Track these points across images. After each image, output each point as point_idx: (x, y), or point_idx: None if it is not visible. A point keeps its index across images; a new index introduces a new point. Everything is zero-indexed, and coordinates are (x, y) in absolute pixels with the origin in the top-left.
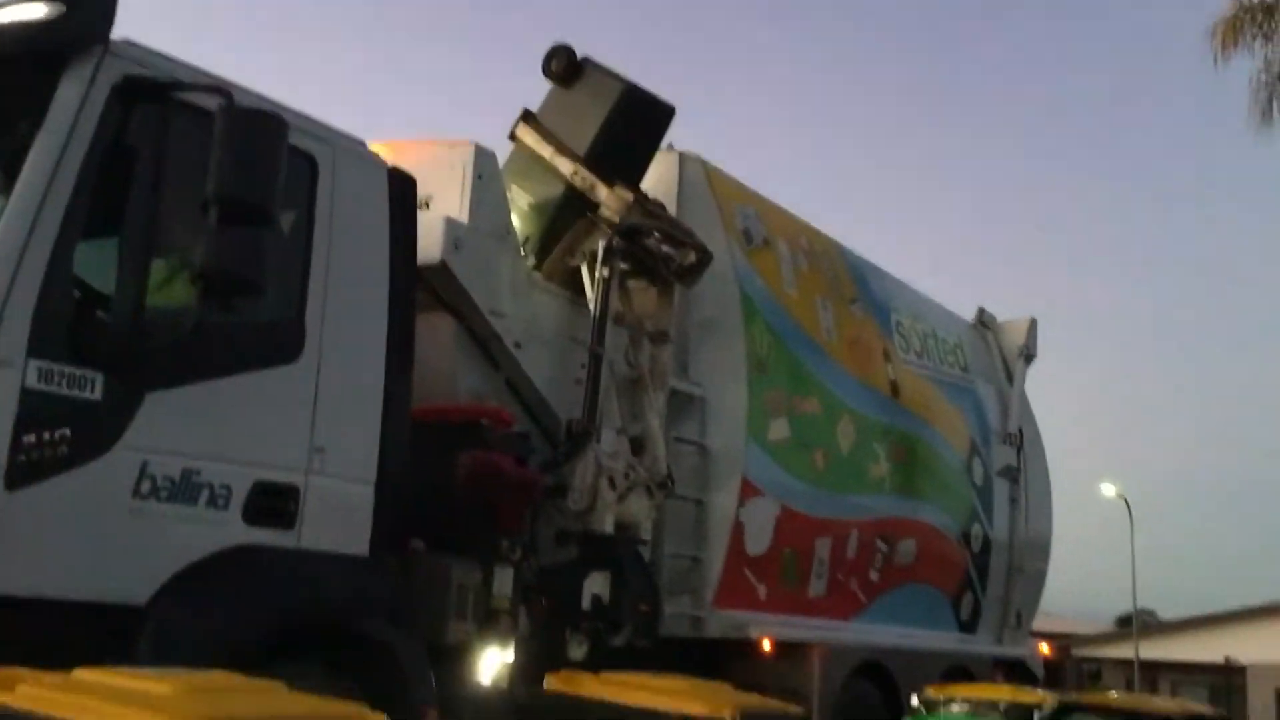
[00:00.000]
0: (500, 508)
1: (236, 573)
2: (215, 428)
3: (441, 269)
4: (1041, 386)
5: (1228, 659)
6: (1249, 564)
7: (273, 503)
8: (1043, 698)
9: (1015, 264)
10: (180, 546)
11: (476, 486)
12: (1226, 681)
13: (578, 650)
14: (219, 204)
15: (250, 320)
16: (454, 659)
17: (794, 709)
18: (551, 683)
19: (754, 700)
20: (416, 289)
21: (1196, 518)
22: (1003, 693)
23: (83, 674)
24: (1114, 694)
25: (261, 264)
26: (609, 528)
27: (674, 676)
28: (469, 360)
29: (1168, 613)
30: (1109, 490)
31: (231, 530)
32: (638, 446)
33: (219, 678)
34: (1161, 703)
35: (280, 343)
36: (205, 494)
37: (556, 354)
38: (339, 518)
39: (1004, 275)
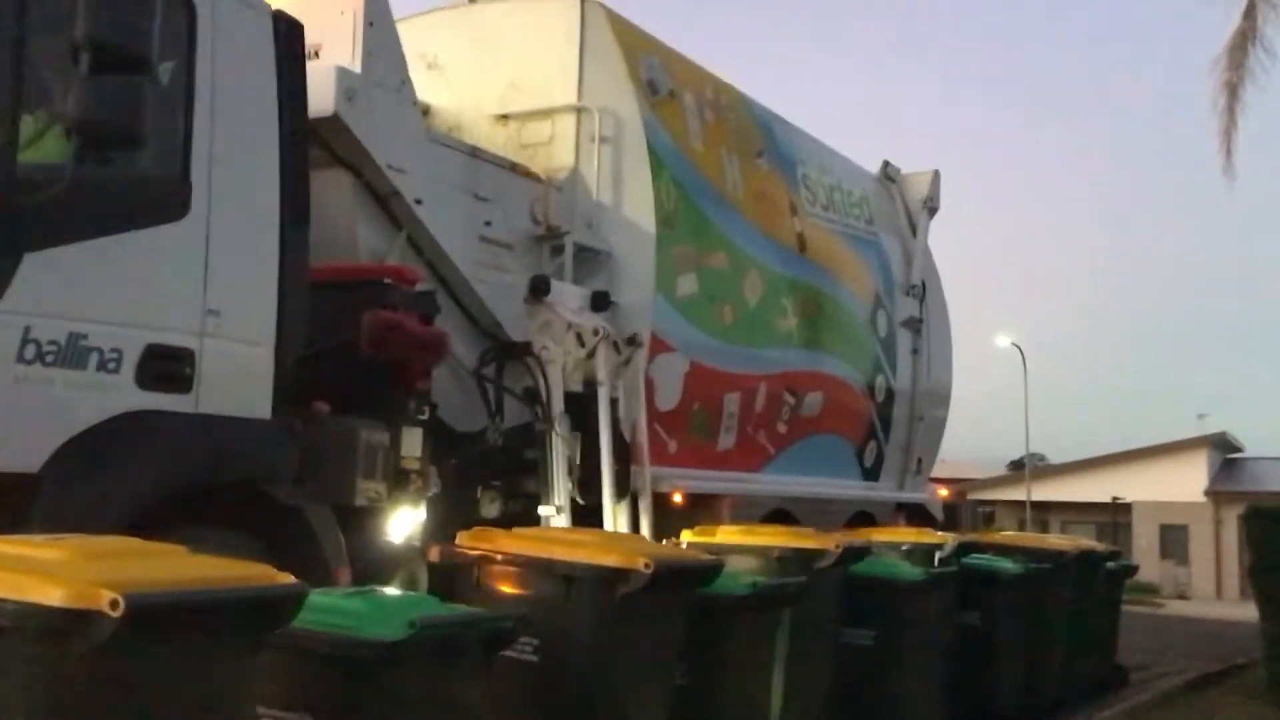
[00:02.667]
0: (406, 367)
1: (131, 437)
2: (101, 290)
3: (334, 122)
4: (944, 240)
5: (1115, 498)
6: (1135, 408)
7: (167, 366)
8: (944, 539)
9: (921, 118)
10: (72, 412)
11: (380, 346)
12: (1113, 519)
13: (489, 508)
14: (90, 49)
15: (131, 176)
16: (364, 520)
17: (709, 558)
18: (464, 539)
19: (668, 551)
20: (308, 142)
21: (1086, 366)
22: (906, 535)
23: None
24: (1010, 533)
25: (139, 114)
26: (576, 386)
27: (588, 530)
28: (368, 217)
29: (1058, 457)
30: (1003, 341)
31: (124, 395)
32: (600, 302)
33: (117, 542)
34: (1055, 540)
35: (165, 200)
36: (94, 358)
37: (459, 210)
38: (238, 381)
39: (909, 129)
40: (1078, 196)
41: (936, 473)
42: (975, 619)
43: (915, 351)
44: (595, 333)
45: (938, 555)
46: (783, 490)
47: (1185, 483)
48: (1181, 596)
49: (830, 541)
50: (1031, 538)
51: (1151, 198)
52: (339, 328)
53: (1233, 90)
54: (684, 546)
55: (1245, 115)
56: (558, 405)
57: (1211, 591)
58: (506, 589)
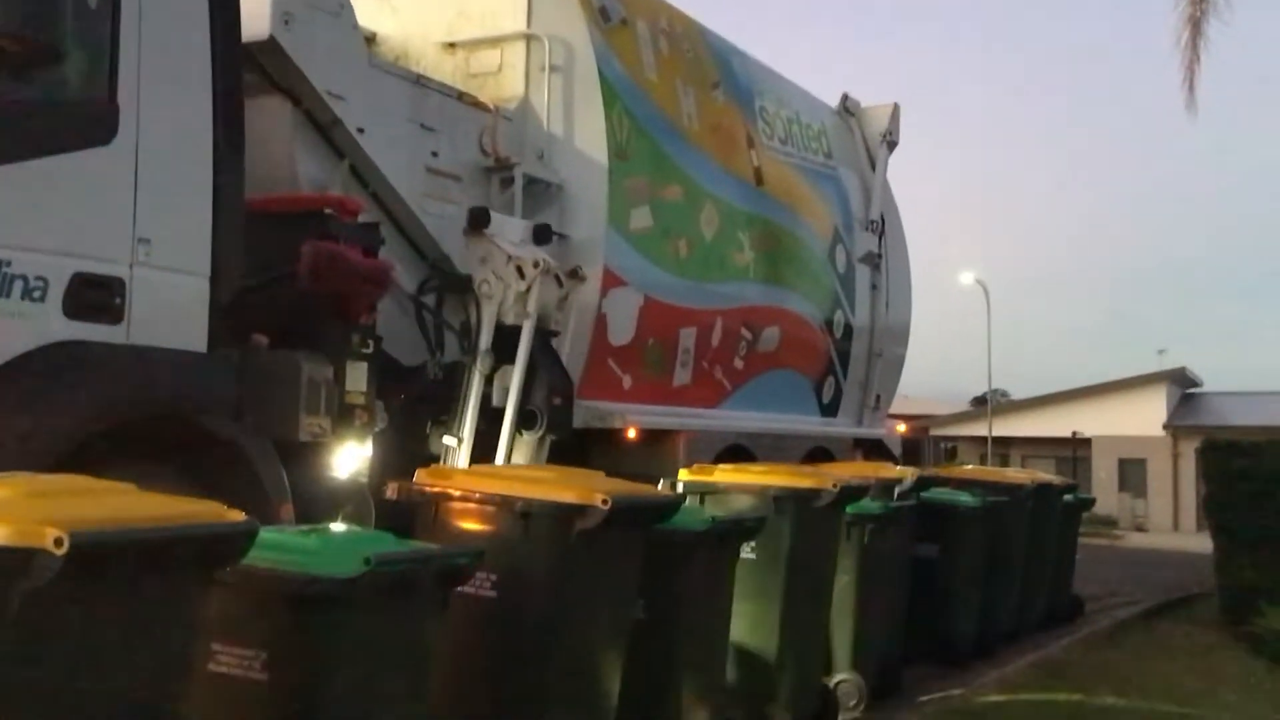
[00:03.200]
0: (348, 300)
1: (59, 368)
2: (24, 216)
3: (271, 46)
4: (906, 176)
5: (1075, 433)
6: (1096, 345)
7: (96, 296)
8: (904, 473)
9: (881, 53)
10: None
11: (320, 278)
12: (1073, 453)
13: (439, 444)
14: None
15: (54, 98)
16: (308, 456)
17: (667, 494)
18: (421, 476)
19: (625, 486)
20: (242, 66)
21: (1047, 303)
22: (866, 470)
23: None
24: (969, 467)
25: (55, 26)
26: (516, 320)
27: (544, 467)
28: (309, 147)
29: (1019, 393)
30: (967, 278)
31: (51, 325)
32: (542, 235)
33: (63, 480)
34: (1013, 474)
35: (90, 123)
36: (19, 286)
37: (404, 139)
38: (171, 312)
39: (869, 63)
40: (1040, 133)
41: (899, 408)
42: (933, 552)
43: (874, 287)
44: (535, 265)
45: (897, 490)
46: (739, 425)
47: (1144, 417)
48: (1139, 529)
49: (828, 480)
50: (990, 471)
51: (1113, 134)
52: (279, 260)
53: (1195, 25)
54: (681, 486)
55: (1208, 50)
56: (485, 340)
57: (1169, 524)
58: (464, 526)
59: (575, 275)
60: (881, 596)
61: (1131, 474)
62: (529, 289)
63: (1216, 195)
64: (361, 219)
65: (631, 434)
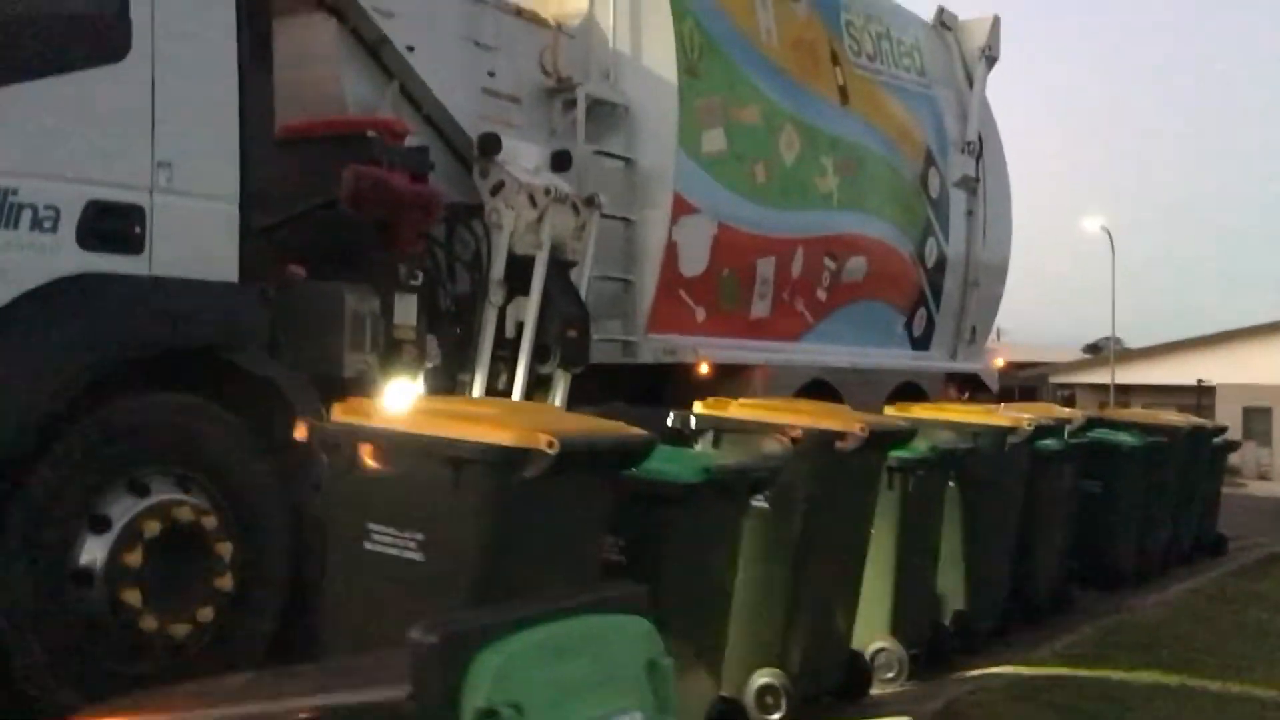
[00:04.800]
0: (395, 228)
1: (74, 302)
2: (31, 141)
3: None
4: (1023, 115)
5: (1200, 381)
6: (1217, 291)
7: (113, 225)
8: (1074, 414)
9: None
10: (4, 276)
11: (363, 205)
12: (1197, 401)
13: (497, 380)
14: None
15: (61, 10)
16: (354, 393)
17: (633, 430)
18: (336, 411)
19: (587, 424)
20: None
21: (1169, 249)
22: (1041, 410)
23: None
24: (1135, 410)
25: None
26: (532, 250)
27: (489, 401)
28: (356, 67)
29: (1132, 341)
30: (1091, 224)
31: (65, 256)
32: (561, 161)
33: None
34: (1170, 417)
35: (100, 39)
36: (27, 216)
37: (457, 58)
38: (197, 240)
39: None
40: (1167, 68)
41: (1007, 354)
42: (1096, 487)
43: (970, 213)
44: (547, 193)
45: (1067, 428)
46: (820, 360)
47: (1270, 366)
48: (1263, 477)
49: (856, 423)
50: (1148, 414)
51: (1244, 74)
52: (321, 186)
53: None
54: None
55: None
56: (496, 272)
57: None
58: (385, 470)
59: (591, 203)
60: (1054, 527)
61: (1256, 422)
62: (541, 217)
63: None
64: (411, 142)
65: (704, 369)
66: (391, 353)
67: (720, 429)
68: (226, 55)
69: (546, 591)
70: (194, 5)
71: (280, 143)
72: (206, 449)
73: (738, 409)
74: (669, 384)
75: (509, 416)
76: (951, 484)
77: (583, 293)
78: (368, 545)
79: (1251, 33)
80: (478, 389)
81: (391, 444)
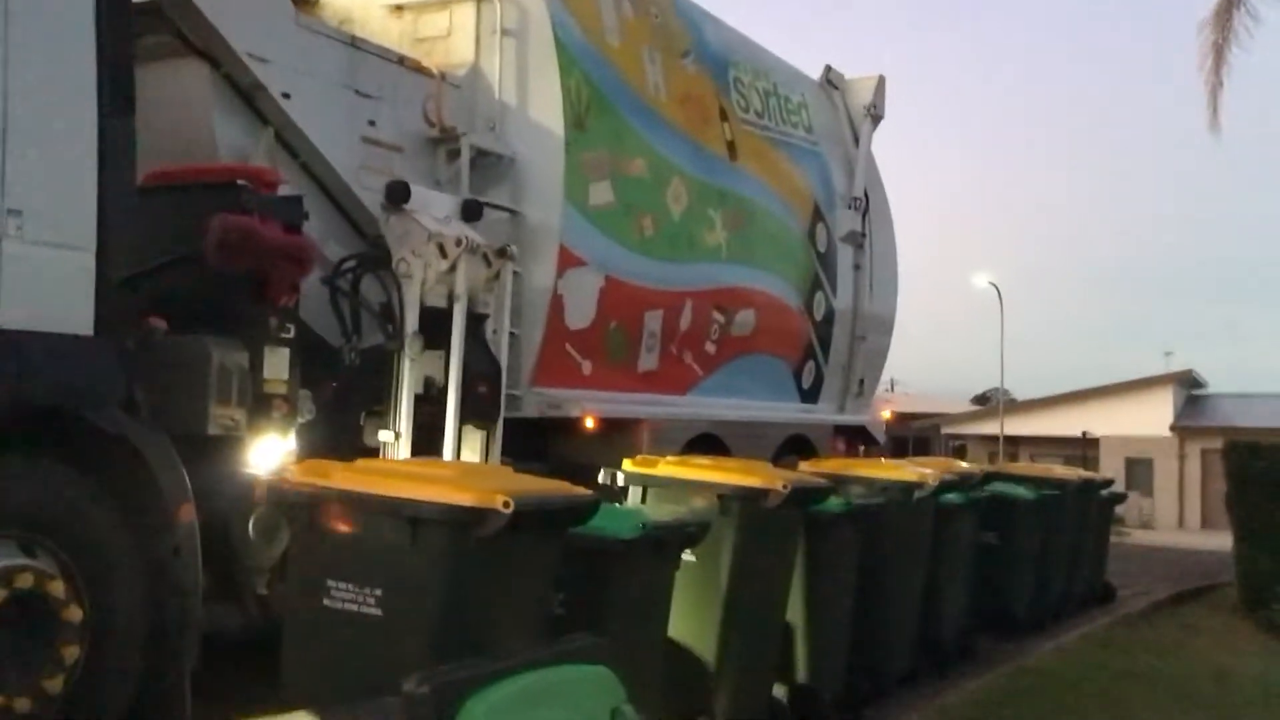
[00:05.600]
0: (266, 280)
1: None
2: None
3: (185, 4)
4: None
5: (1085, 433)
6: (1102, 347)
7: None
8: (973, 469)
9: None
10: None
11: (231, 255)
12: (1082, 453)
13: (374, 436)
14: None
15: None
16: (222, 451)
17: (580, 490)
18: (295, 472)
19: (537, 485)
20: (133, 18)
21: (1053, 305)
22: (939, 465)
23: None
24: (1024, 464)
25: None
26: (439, 301)
27: (442, 462)
28: (229, 113)
29: (1022, 394)
30: (980, 280)
31: None
32: (471, 211)
33: (462, 464)
34: (1062, 471)
35: None
36: None
37: (336, 106)
38: (49, 291)
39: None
40: (1047, 132)
41: (902, 405)
42: (995, 539)
43: (857, 267)
44: (458, 243)
45: (969, 484)
46: (708, 414)
47: (1151, 418)
48: (1146, 526)
49: (778, 480)
50: (1044, 468)
51: (1124, 143)
52: (186, 235)
53: (1219, 52)
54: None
55: (1230, 75)
56: (411, 324)
57: (1174, 522)
58: (344, 530)
59: (504, 254)
60: (957, 577)
61: (1139, 473)
62: (453, 268)
63: (1227, 198)
64: (285, 191)
65: (590, 423)
66: (261, 408)
67: (648, 485)
68: (84, 97)
69: (502, 645)
70: (47, 43)
71: (145, 190)
72: (55, 512)
73: (665, 467)
74: (554, 437)
75: (465, 478)
76: (861, 536)
77: (503, 346)
78: (327, 601)
79: (1140, 97)
80: (405, 449)
81: (351, 504)
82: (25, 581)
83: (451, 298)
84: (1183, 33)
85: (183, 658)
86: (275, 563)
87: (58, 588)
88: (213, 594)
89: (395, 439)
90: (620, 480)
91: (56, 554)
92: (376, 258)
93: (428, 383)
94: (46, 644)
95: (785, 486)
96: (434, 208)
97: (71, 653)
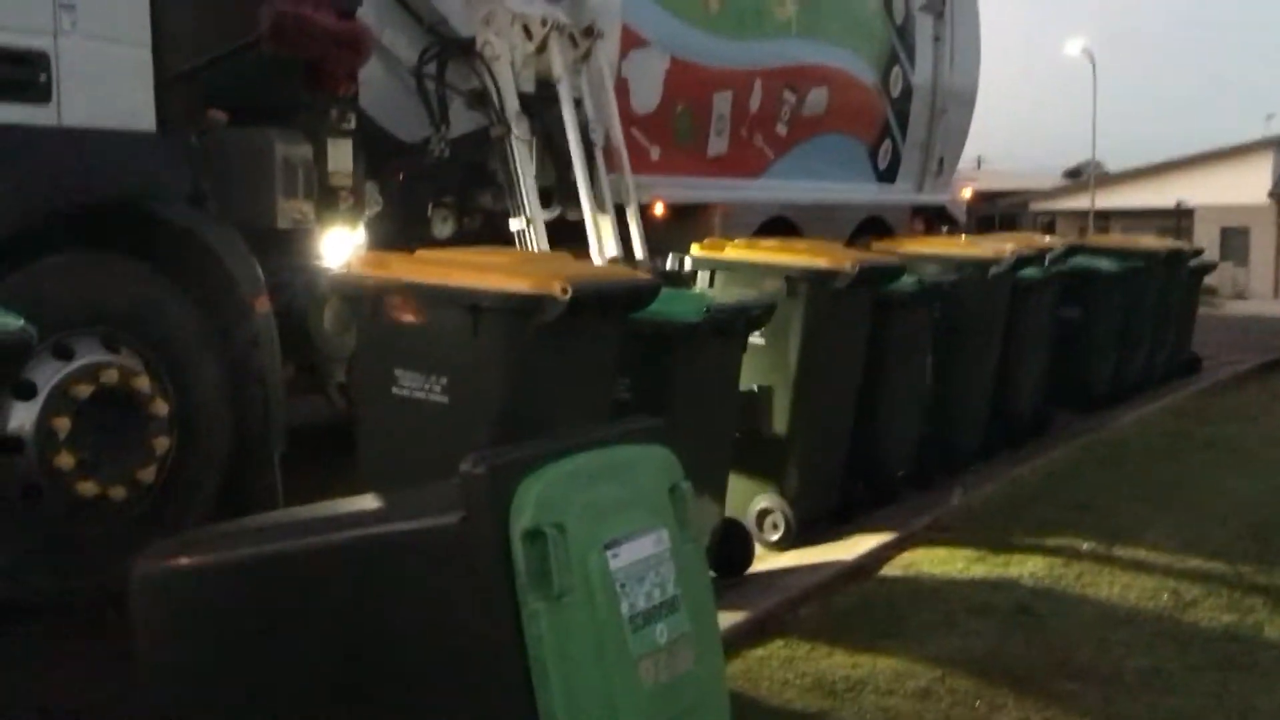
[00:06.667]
0: (323, 69)
1: None
2: None
3: None
4: None
5: (1178, 203)
6: (1198, 113)
7: (15, 72)
8: (1055, 243)
9: None
10: None
11: (285, 43)
12: (1176, 224)
13: (442, 227)
14: None
15: None
16: (291, 243)
17: (641, 274)
18: (357, 264)
19: (596, 271)
20: None
21: (1146, 70)
22: (1023, 241)
23: None
24: (1113, 236)
25: None
26: (528, 86)
27: (503, 250)
28: None
29: (1114, 165)
30: (1072, 47)
31: None
32: None
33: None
34: (1149, 241)
35: None
36: None
37: None
38: (109, 88)
39: None
40: None
41: (987, 183)
42: (1076, 313)
43: (937, 39)
44: (543, 23)
45: (1048, 257)
46: (780, 196)
47: (1249, 185)
48: (1240, 297)
49: (847, 260)
50: (1129, 239)
51: None
52: (241, 26)
53: None
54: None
55: None
56: (511, 105)
57: (1270, 292)
58: (408, 320)
59: (590, 33)
60: (1034, 353)
61: (1234, 243)
62: (542, 49)
63: None
64: None
65: (660, 209)
66: (327, 200)
67: (716, 269)
68: None
69: (565, 428)
70: None
71: None
72: (134, 308)
73: (733, 250)
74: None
75: (524, 265)
76: (935, 314)
77: (599, 131)
78: (395, 390)
79: None
80: (541, 236)
81: (414, 294)
82: (111, 377)
83: (541, 82)
84: None
85: (270, 444)
86: (352, 352)
87: (143, 382)
88: (297, 386)
89: (528, 225)
90: (689, 265)
91: (139, 349)
92: (460, 42)
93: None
94: (137, 435)
95: (853, 266)
96: None
97: (162, 443)
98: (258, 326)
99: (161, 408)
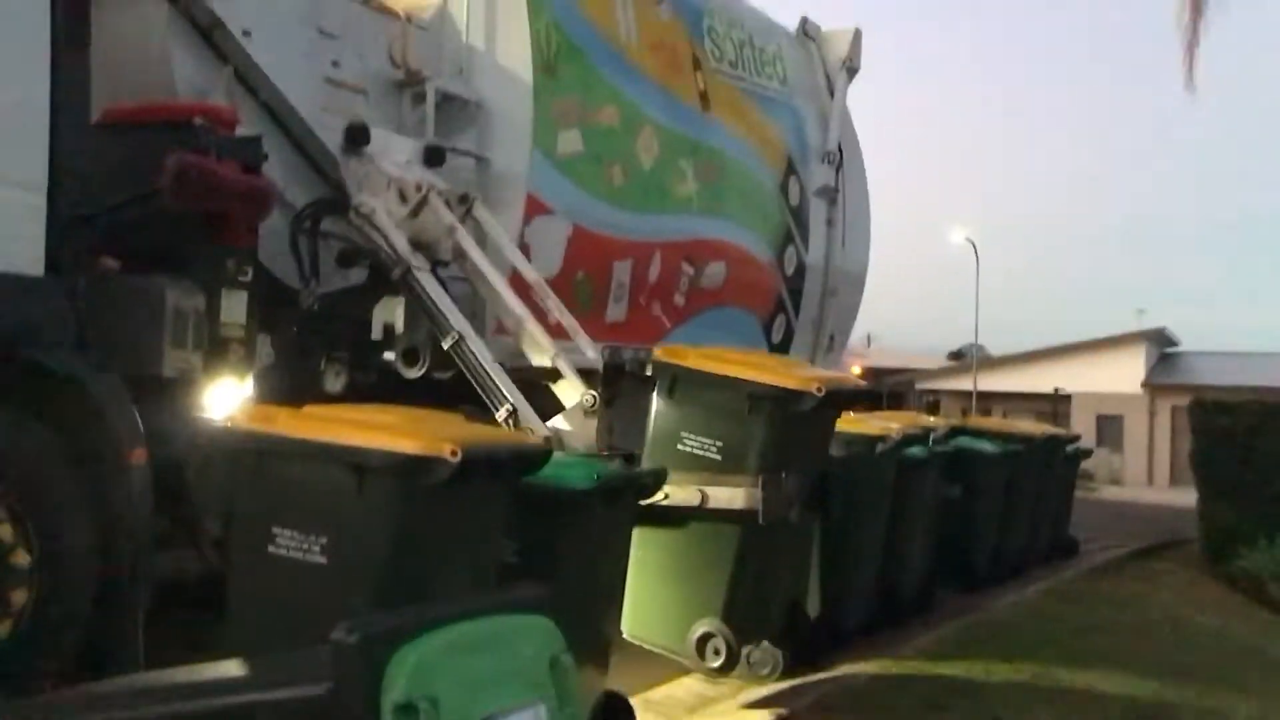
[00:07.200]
0: (223, 221)
1: None
2: None
3: None
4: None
5: (1057, 389)
6: (1069, 302)
7: None
8: (939, 423)
9: None
10: None
11: (186, 195)
12: (1053, 409)
13: (334, 382)
14: None
15: None
16: (175, 392)
17: (533, 439)
18: (240, 417)
19: (485, 433)
20: None
21: (1027, 260)
22: (904, 419)
23: None
24: (995, 418)
25: None
26: (402, 247)
27: (391, 408)
28: (187, 51)
29: (995, 348)
30: (957, 236)
31: None
32: (433, 157)
33: (415, 410)
34: (1027, 426)
35: None
36: None
37: (299, 46)
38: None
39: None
40: (1022, 88)
41: (876, 361)
42: (958, 492)
43: (830, 223)
44: (417, 189)
45: (932, 436)
46: None
47: (1123, 375)
48: (1115, 482)
49: (813, 382)
50: (1008, 423)
51: (1099, 92)
52: (143, 175)
53: (1196, 9)
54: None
55: (1208, 34)
56: (401, 245)
57: (1143, 479)
58: (289, 479)
59: (465, 201)
60: (918, 530)
61: (1109, 429)
62: (416, 213)
63: (1199, 153)
64: (247, 131)
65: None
66: (217, 351)
67: (677, 375)
68: (37, 31)
69: (448, 593)
70: None
71: (101, 128)
72: (3, 455)
73: (696, 359)
74: (522, 389)
75: (413, 425)
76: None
77: (482, 289)
78: (271, 549)
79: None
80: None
81: (297, 450)
82: None
83: (413, 244)
84: None
85: (135, 603)
86: (230, 507)
87: (5, 531)
88: (169, 539)
89: (459, 340)
90: (648, 370)
91: (4, 497)
92: (335, 201)
93: (386, 329)
94: None
95: (819, 390)
96: (394, 151)
97: (19, 597)
98: (133, 479)
99: (23, 558)
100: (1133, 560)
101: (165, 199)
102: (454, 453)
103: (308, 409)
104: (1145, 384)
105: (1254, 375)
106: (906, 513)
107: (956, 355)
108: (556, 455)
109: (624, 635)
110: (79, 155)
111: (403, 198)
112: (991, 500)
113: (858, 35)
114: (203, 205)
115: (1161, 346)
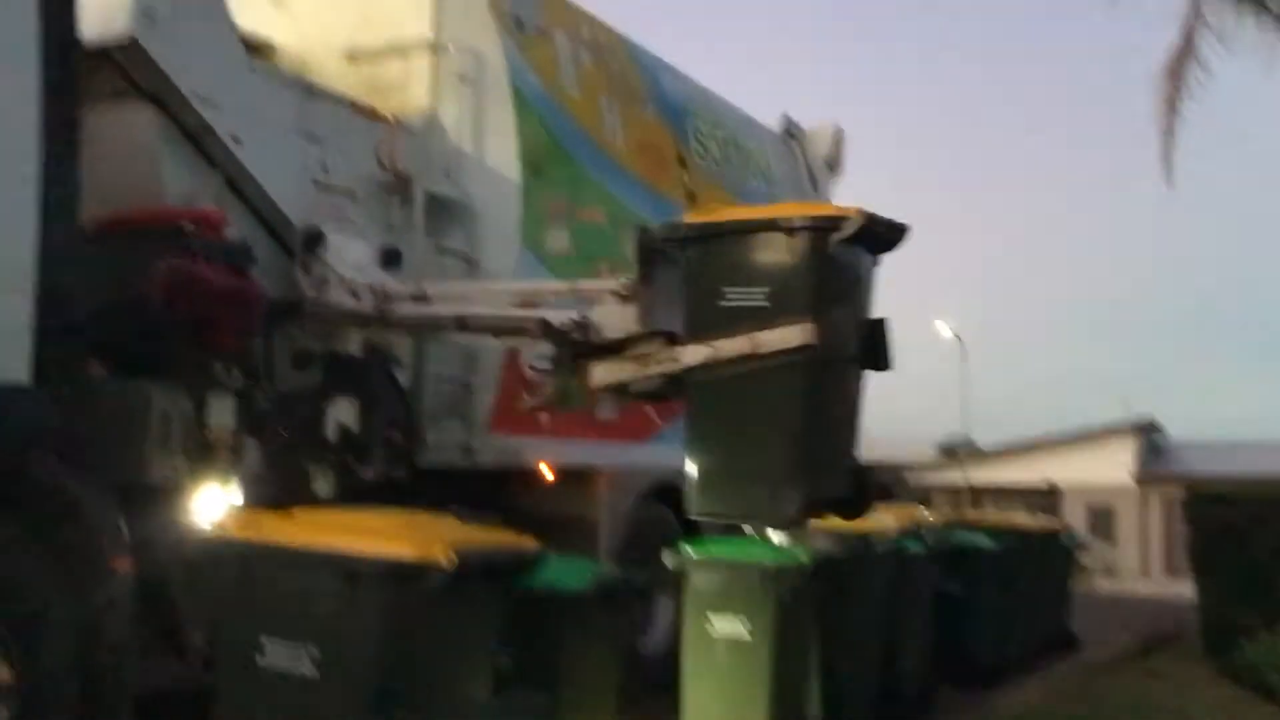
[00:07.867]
0: (212, 326)
1: None
2: None
3: (133, 48)
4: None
5: (1050, 484)
6: (1056, 394)
7: None
8: (933, 519)
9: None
10: None
11: (175, 301)
12: (1045, 502)
13: (323, 485)
14: None
15: None
16: (160, 497)
17: (526, 542)
18: (226, 524)
19: (479, 536)
20: (80, 61)
21: (1008, 353)
22: (899, 516)
23: None
24: (991, 512)
25: None
26: (355, 348)
27: (383, 513)
28: (176, 158)
29: (985, 438)
30: (945, 330)
31: None
32: (390, 258)
33: (408, 514)
34: (1023, 520)
35: None
36: None
37: (287, 151)
38: None
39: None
40: (1019, 182)
41: (867, 454)
42: (957, 588)
43: None
44: (371, 290)
45: (929, 532)
46: (670, 462)
47: (1113, 466)
48: (1110, 574)
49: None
50: (1005, 516)
51: (1093, 182)
52: (132, 281)
53: (1172, 104)
54: None
55: (1184, 127)
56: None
57: (1137, 569)
58: (279, 586)
59: (422, 299)
60: (918, 627)
61: (1101, 522)
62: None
63: (1186, 247)
64: (232, 236)
65: (548, 473)
66: (204, 456)
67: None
68: (26, 140)
69: (444, 703)
70: None
71: (90, 236)
72: None
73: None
74: (513, 490)
75: (405, 530)
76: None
77: (416, 395)
78: (260, 660)
79: (1096, 143)
80: None
81: (285, 558)
82: None
83: (368, 346)
84: (1141, 75)
85: (115, 715)
86: (216, 617)
87: None
88: (154, 648)
89: None
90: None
91: None
92: (291, 303)
93: (341, 430)
94: None
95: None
96: (350, 255)
97: (1, 713)
98: (116, 589)
99: (4, 674)
100: (1135, 655)
101: (155, 305)
102: (449, 558)
103: (296, 513)
104: (1136, 476)
105: (1243, 464)
106: (906, 610)
107: (947, 449)
108: (554, 558)
109: None
110: (68, 262)
111: (357, 299)
112: (991, 596)
113: (839, 134)
114: (192, 311)
115: (1150, 435)
